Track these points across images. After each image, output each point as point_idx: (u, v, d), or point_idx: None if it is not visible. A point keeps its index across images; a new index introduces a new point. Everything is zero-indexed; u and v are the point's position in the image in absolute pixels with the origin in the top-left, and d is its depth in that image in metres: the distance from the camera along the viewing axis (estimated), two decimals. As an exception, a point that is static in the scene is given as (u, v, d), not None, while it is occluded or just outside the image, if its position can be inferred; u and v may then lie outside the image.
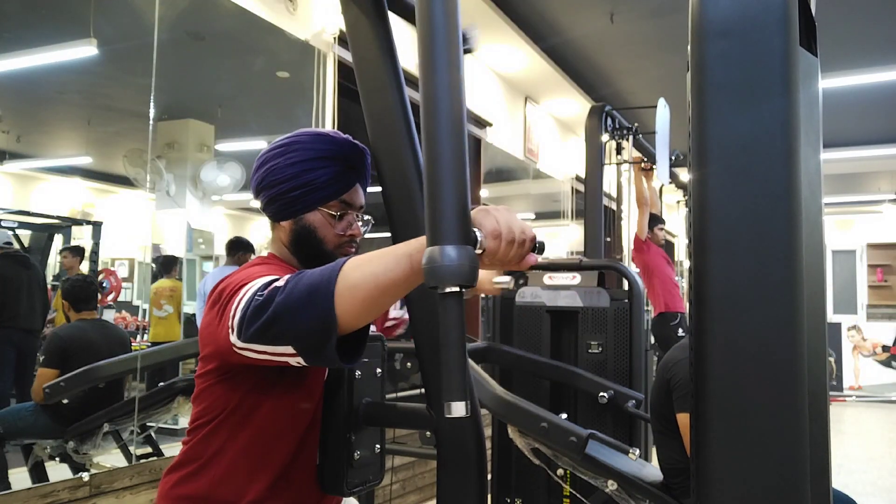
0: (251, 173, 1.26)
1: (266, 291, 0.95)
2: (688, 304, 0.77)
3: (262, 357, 0.99)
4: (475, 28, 1.62)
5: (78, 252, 3.29)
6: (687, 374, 2.09)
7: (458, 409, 0.77)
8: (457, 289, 0.77)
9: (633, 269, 4.43)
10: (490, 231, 0.86)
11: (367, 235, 1.33)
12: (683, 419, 2.14)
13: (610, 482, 1.78)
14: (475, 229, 0.83)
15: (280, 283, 0.95)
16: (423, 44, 0.80)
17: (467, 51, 1.66)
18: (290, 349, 0.95)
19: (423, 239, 0.86)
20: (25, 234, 3.29)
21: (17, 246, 3.08)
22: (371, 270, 0.90)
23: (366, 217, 1.28)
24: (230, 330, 0.99)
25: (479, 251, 0.83)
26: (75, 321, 2.74)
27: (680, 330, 4.90)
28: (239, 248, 3.53)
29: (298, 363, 0.98)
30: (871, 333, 10.07)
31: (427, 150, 0.80)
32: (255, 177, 1.24)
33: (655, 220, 5.14)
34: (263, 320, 0.93)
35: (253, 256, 3.52)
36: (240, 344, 0.98)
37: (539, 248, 0.91)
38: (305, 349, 0.94)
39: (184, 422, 2.68)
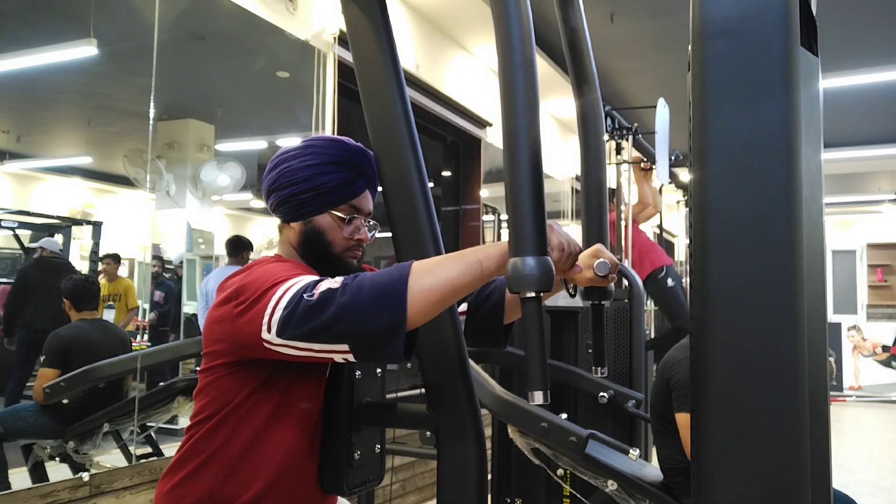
0: (263, 175, 1.28)
1: (317, 292, 1.00)
2: (688, 304, 0.77)
3: (303, 354, 1.03)
4: None
5: (117, 259, 3.40)
6: (687, 374, 2.09)
7: (538, 397, 0.89)
8: (535, 294, 0.90)
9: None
10: (556, 244, 1.04)
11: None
12: (683, 419, 2.14)
13: (610, 482, 1.78)
14: (549, 244, 0.96)
15: (333, 284, 1.00)
16: (504, 64, 0.93)
17: None
18: (343, 347, 1.00)
19: (489, 247, 0.99)
20: (25, 234, 3.29)
21: (56, 249, 3.14)
22: (445, 275, 0.98)
23: (372, 222, 1.29)
24: (265, 327, 1.02)
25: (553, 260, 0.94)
26: (76, 321, 2.75)
27: (669, 280, 4.76)
28: (242, 248, 3.53)
29: (345, 359, 1.03)
30: (871, 333, 10.08)
31: (510, 171, 0.91)
32: (268, 178, 1.27)
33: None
34: (324, 320, 0.98)
35: (252, 255, 3.52)
36: (277, 340, 1.02)
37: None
38: (365, 348, 1.00)
39: (184, 422, 2.68)
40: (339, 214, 1.24)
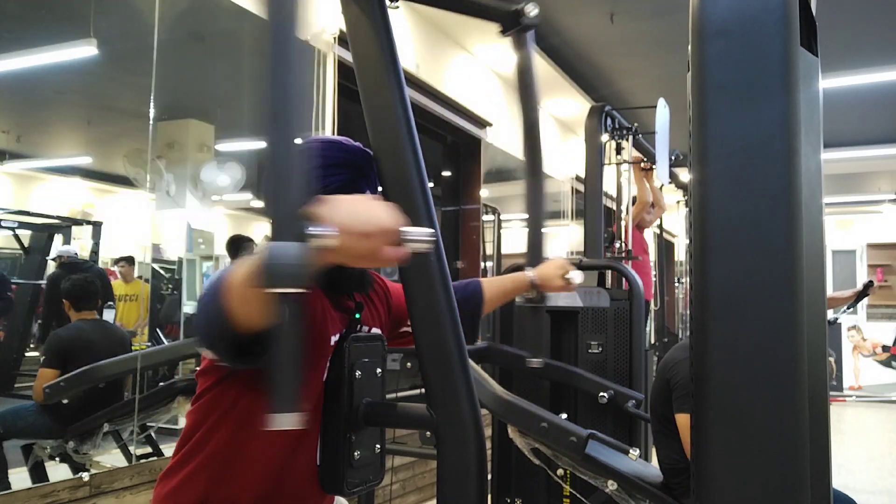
0: (263, 177, 1.27)
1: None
2: (688, 304, 0.77)
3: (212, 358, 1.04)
4: (532, 2, 1.60)
5: (132, 262, 3.49)
6: (687, 374, 2.09)
7: (286, 421, 0.71)
8: (288, 290, 0.71)
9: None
10: (338, 225, 0.78)
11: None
12: (683, 419, 2.14)
13: (610, 482, 1.78)
14: (317, 224, 0.76)
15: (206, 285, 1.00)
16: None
17: (529, 27, 1.62)
18: (209, 353, 0.99)
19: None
20: (25, 234, 3.29)
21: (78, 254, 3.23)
22: (240, 272, 0.85)
23: None
24: None
25: (317, 247, 0.76)
26: (76, 321, 2.75)
27: None
28: (240, 248, 3.53)
29: (231, 365, 1.01)
30: (871, 333, 10.07)
31: (267, 140, 0.75)
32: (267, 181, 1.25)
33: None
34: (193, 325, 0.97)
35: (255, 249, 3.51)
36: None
37: (415, 240, 0.82)
38: (215, 351, 0.97)
39: (184, 422, 2.68)
40: None
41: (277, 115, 0.74)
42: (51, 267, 3.33)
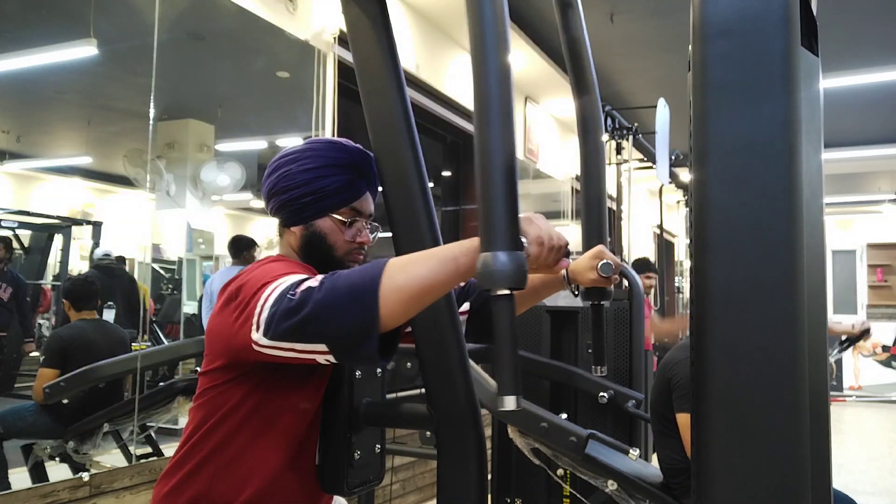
0: (263, 178, 1.27)
1: (299, 290, 0.96)
2: (688, 304, 0.77)
3: (288, 355, 1.00)
4: None
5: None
6: (687, 374, 2.09)
7: (510, 402, 0.83)
8: (508, 291, 0.84)
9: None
10: (534, 238, 0.98)
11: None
12: (683, 419, 2.15)
13: (610, 482, 1.78)
14: (521, 236, 0.89)
15: (313, 282, 0.97)
16: (476, 52, 0.89)
17: None
18: (322, 347, 0.96)
19: (465, 242, 0.94)
20: (25, 234, 3.29)
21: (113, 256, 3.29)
22: (418, 273, 0.94)
23: (374, 224, 1.29)
24: (254, 327, 1.00)
25: (525, 256, 0.89)
26: (76, 321, 2.75)
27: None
28: (244, 248, 3.53)
29: (327, 360, 1.00)
30: (871, 333, 10.06)
31: (481, 162, 0.86)
32: (267, 182, 1.26)
33: (642, 267, 4.98)
34: (300, 318, 0.94)
35: (257, 250, 3.51)
36: (264, 341, 0.99)
37: (567, 252, 1.04)
38: (341, 348, 0.96)
39: (184, 422, 2.68)
40: (341, 218, 1.23)
41: (492, 142, 0.87)
42: (50, 267, 3.34)
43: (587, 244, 1.42)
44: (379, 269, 0.94)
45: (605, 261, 1.23)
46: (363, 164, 1.25)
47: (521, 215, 0.90)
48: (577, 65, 1.48)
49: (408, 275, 0.94)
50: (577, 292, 1.37)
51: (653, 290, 5.19)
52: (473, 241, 0.92)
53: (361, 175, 1.25)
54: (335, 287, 0.94)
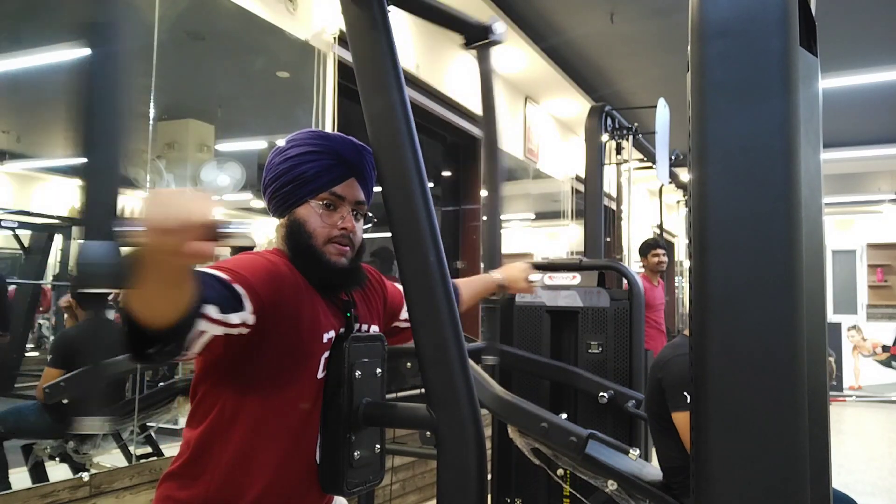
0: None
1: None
2: (688, 304, 0.77)
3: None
4: (497, 20, 1.68)
5: None
6: (678, 372, 2.09)
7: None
8: (100, 290, 0.71)
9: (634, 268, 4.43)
10: (149, 223, 0.76)
11: (368, 235, 1.33)
12: (680, 417, 2.14)
13: (610, 482, 1.78)
14: (125, 222, 0.75)
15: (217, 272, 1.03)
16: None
17: (496, 42, 1.77)
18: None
19: None
20: (25, 234, 3.28)
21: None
22: None
23: (368, 214, 1.28)
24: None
25: (128, 245, 0.75)
26: (84, 320, 2.74)
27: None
28: (238, 248, 3.52)
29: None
30: (871, 333, 10.07)
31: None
32: (262, 182, 1.27)
33: (647, 247, 5.06)
34: None
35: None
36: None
37: (213, 234, 0.78)
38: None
39: (184, 422, 2.68)
40: (320, 202, 1.21)
41: (97, 127, 0.75)
42: (50, 267, 3.33)
43: (489, 266, 1.85)
44: None
45: (536, 276, 1.45)
46: (345, 151, 1.23)
47: (148, 193, 0.80)
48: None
49: None
50: (498, 298, 1.65)
51: (662, 273, 5.16)
52: None
53: (342, 161, 1.23)
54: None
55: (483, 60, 1.84)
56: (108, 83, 0.74)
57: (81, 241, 0.70)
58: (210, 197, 0.80)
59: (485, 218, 1.88)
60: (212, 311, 0.98)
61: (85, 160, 0.72)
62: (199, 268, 1.02)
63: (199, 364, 1.17)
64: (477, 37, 1.76)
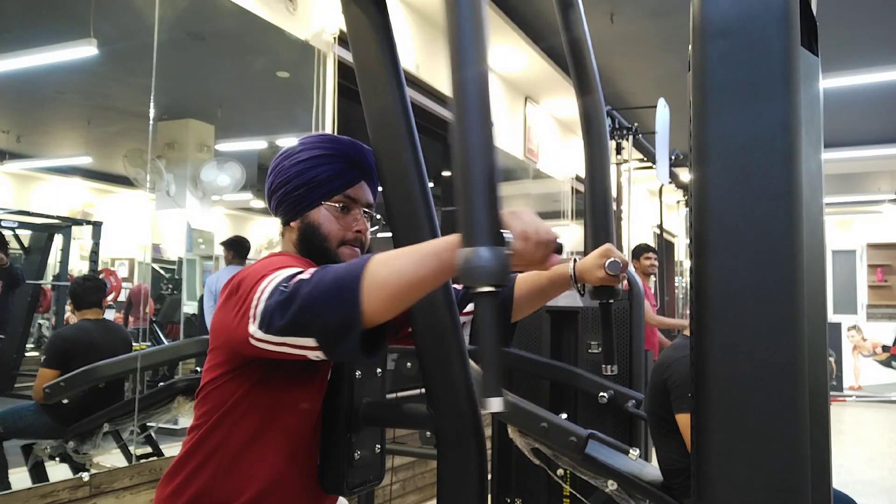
0: (266, 181, 1.27)
1: (291, 283, 0.97)
2: (688, 304, 0.77)
3: (282, 350, 0.99)
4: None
5: None
6: (682, 373, 2.09)
7: (495, 405, 0.80)
8: (490, 288, 0.81)
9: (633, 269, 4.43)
10: (519, 233, 0.91)
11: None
12: (683, 419, 2.14)
13: (610, 482, 1.78)
14: (505, 231, 0.87)
15: (305, 275, 0.97)
16: (452, 47, 0.86)
17: None
18: (311, 342, 0.96)
19: (449, 238, 0.91)
20: (25, 234, 3.29)
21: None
22: (398, 267, 0.93)
23: (376, 215, 1.29)
24: (251, 320, 1.00)
25: (508, 252, 0.86)
26: (79, 321, 2.74)
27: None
28: (241, 248, 3.53)
29: (318, 357, 0.99)
30: (871, 333, 10.08)
31: (460, 156, 0.84)
32: (267, 184, 1.27)
33: (639, 250, 5.07)
34: (290, 311, 0.94)
35: (250, 254, 3.52)
36: (259, 335, 0.99)
37: (558, 248, 0.97)
38: (328, 342, 0.95)
39: (184, 422, 2.68)
40: (334, 205, 1.23)
41: (470, 128, 0.84)
42: (50, 267, 3.33)
43: (594, 243, 1.41)
44: (362, 264, 0.94)
45: (612, 259, 1.23)
46: (355, 154, 1.25)
47: (506, 210, 0.89)
48: (580, 64, 1.48)
49: (390, 270, 0.93)
50: (583, 292, 1.37)
51: (654, 276, 5.17)
52: (457, 237, 0.89)
53: (353, 164, 1.24)
54: (321, 281, 0.94)
55: None
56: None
57: (469, 247, 0.82)
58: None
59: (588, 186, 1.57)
60: None
61: (463, 171, 0.83)
62: (286, 266, 1.05)
63: (216, 366, 1.16)
64: None
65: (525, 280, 1.41)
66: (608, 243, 1.30)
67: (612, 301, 1.40)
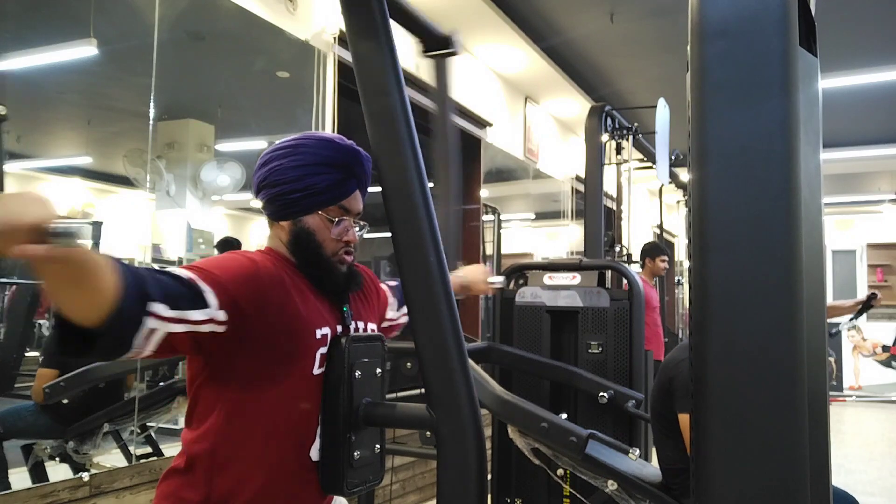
0: (253, 171, 1.28)
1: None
2: (688, 304, 0.77)
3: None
4: (458, 33, 1.69)
5: None
6: (688, 373, 2.09)
7: None
8: None
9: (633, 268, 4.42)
10: None
11: (367, 235, 1.34)
12: (685, 419, 2.14)
13: (610, 482, 1.78)
14: None
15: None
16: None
17: (453, 53, 1.76)
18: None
19: None
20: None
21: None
22: None
23: (361, 223, 1.30)
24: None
25: None
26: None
27: None
28: (231, 248, 3.52)
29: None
30: (871, 333, 10.07)
31: None
32: (258, 175, 1.27)
33: (656, 250, 5.02)
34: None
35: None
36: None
37: (64, 234, 0.77)
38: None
39: (184, 422, 2.68)
40: (329, 216, 1.24)
41: None
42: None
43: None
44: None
45: (496, 277, 1.45)
46: (354, 164, 1.26)
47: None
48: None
49: None
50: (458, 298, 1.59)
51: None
52: None
53: (352, 174, 1.26)
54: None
55: (440, 70, 1.83)
56: None
57: None
58: (45, 199, 0.79)
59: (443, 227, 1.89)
60: (160, 308, 0.99)
61: None
62: (164, 268, 1.07)
63: (191, 364, 1.18)
64: (437, 46, 1.75)
65: None
66: (482, 265, 1.54)
67: None
